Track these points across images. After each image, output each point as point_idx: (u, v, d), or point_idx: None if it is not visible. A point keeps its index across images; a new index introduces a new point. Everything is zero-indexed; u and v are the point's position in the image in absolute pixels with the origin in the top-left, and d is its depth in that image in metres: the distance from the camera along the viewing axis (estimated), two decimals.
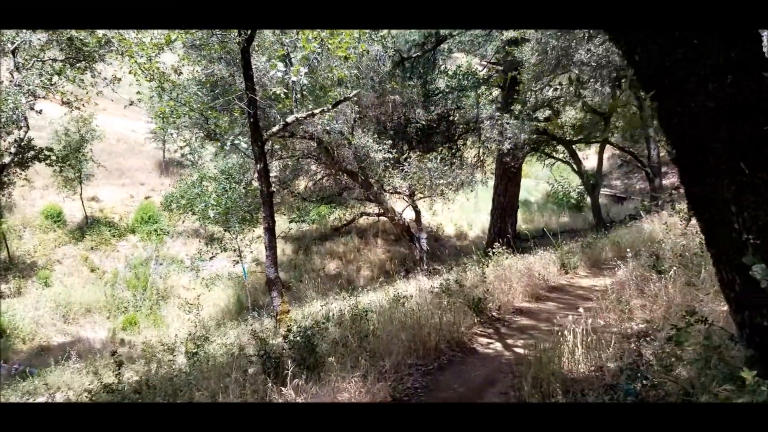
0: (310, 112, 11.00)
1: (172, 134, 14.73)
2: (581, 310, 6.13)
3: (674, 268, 6.82)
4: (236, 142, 11.37)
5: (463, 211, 28.13)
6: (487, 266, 8.53)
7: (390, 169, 18.16)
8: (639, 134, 23.81)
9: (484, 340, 6.84)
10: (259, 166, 10.77)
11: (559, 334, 5.51)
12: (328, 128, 16.31)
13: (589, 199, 29.97)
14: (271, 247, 11.00)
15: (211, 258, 14.83)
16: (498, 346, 6.61)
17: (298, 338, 6.30)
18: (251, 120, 10.50)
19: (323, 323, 7.56)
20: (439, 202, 18.85)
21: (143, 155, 31.50)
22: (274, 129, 11.17)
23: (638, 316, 6.33)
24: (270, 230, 10.91)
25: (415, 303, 7.56)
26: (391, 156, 17.10)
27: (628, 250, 9.53)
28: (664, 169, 26.41)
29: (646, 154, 23.41)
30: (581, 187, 30.08)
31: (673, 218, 20.97)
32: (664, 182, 24.21)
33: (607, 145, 24.18)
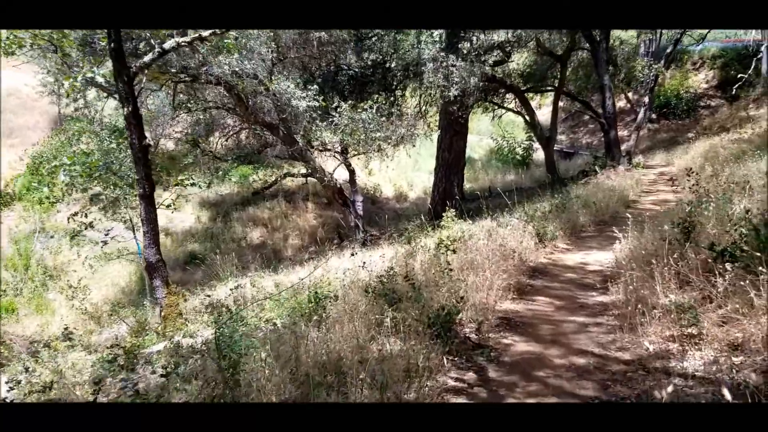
0: (197, 35, 7.97)
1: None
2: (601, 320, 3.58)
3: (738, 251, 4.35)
4: (90, 75, 8.25)
5: (402, 170, 25.55)
6: (450, 249, 5.88)
7: (317, 122, 15.26)
8: (594, 82, 21.70)
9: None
10: (126, 109, 7.75)
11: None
12: (238, 70, 13.25)
13: (535, 156, 27.99)
14: (150, 220, 8.10)
15: (86, 228, 11.61)
16: None
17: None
18: (111, 45, 7.44)
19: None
20: (376, 160, 16.12)
21: (36, 111, 27.45)
22: (147, 59, 8.10)
23: (716, 336, 3.86)
24: (146, 198, 8.00)
25: (342, 308, 4.93)
26: (317, 104, 14.18)
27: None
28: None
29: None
30: (527, 142, 28.00)
31: (632, 173, 19.13)
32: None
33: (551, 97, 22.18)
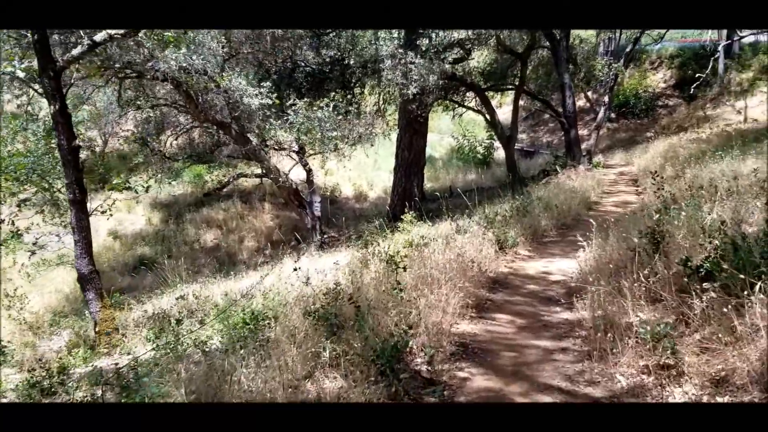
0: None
1: None
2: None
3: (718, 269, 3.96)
4: (10, 70, 7.50)
5: (363, 170, 25.02)
6: (403, 263, 5.31)
7: (272, 120, 14.62)
8: (554, 81, 21.51)
9: None
10: (53, 107, 7.05)
11: None
12: (185, 65, 12.55)
13: (496, 154, 27.75)
14: (81, 228, 7.44)
15: (15, 235, 10.76)
16: None
17: None
18: (35, 37, 6.74)
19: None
20: (333, 160, 15.57)
21: None
22: (75, 52, 7.41)
23: (696, 368, 3.44)
24: (77, 204, 7.34)
25: (280, 332, 4.38)
26: (270, 102, 13.54)
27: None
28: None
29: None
30: (487, 141, 27.76)
31: (592, 173, 18.99)
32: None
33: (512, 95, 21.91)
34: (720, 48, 24.19)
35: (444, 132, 31.04)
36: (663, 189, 6.98)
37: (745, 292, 3.42)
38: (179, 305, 9.99)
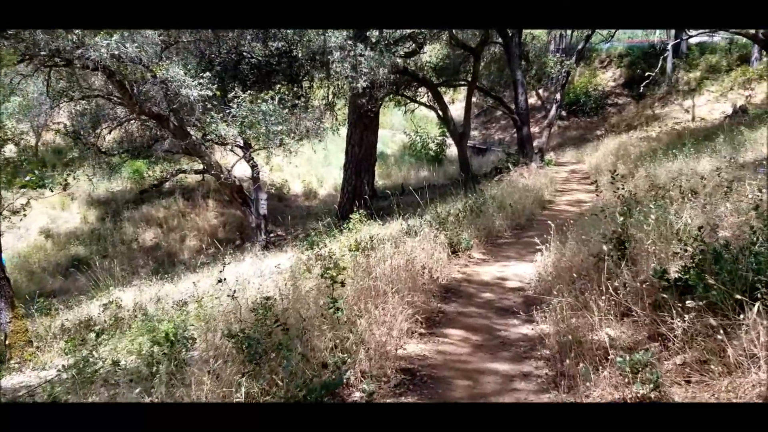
0: None
1: None
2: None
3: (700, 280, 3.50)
4: None
5: (312, 166, 24.31)
6: (342, 276, 4.60)
7: (213, 113, 13.78)
8: (507, 77, 21.24)
9: None
10: None
11: None
12: (118, 53, 11.65)
13: (449, 151, 27.38)
14: None
15: None
16: None
17: None
18: None
19: None
20: (279, 155, 14.84)
21: None
22: None
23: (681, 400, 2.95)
24: None
25: (198, 359, 3.72)
26: (211, 93, 12.73)
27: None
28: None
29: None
30: (440, 138, 27.40)
31: (544, 170, 18.76)
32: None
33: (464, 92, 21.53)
34: (669, 47, 24.36)
35: (396, 128, 30.55)
36: (623, 188, 6.58)
37: (742, 316, 2.95)
38: (106, 313, 9.18)
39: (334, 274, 4.25)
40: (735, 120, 18.31)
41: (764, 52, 22.74)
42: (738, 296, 3.00)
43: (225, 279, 5.03)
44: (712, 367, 2.94)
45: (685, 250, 3.92)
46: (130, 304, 9.94)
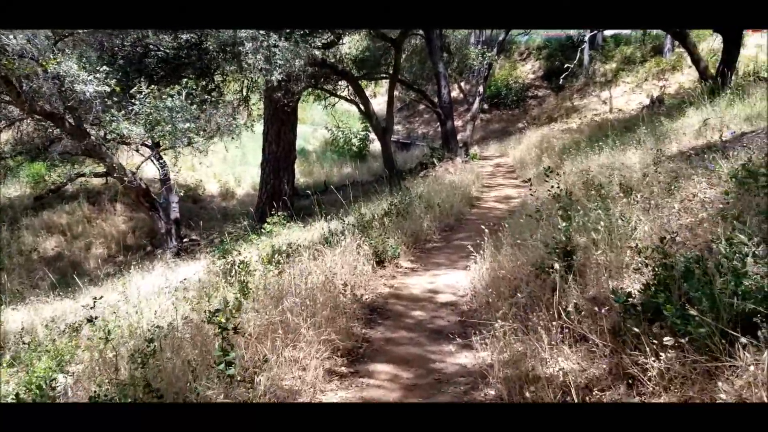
0: None
1: None
2: None
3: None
4: None
5: (229, 164, 23.11)
6: (237, 317, 3.70)
7: (113, 111, 12.56)
8: (429, 70, 20.77)
9: None
10: None
11: None
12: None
13: (372, 146, 26.74)
14: None
15: None
16: None
17: None
18: None
19: None
20: (187, 155, 13.77)
21: None
22: None
23: None
24: None
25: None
26: (108, 89, 11.56)
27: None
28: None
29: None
30: (363, 133, 26.75)
31: (470, 165, 18.40)
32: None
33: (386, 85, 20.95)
34: (586, 39, 24.58)
35: (317, 123, 29.66)
36: (558, 187, 6.08)
37: (745, 360, 2.39)
38: None
39: (223, 319, 3.43)
40: (652, 110, 18.49)
41: (676, 43, 23.23)
42: (728, 330, 2.44)
43: (95, 318, 4.07)
44: None
45: (646, 264, 3.37)
46: (18, 327, 8.82)
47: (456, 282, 6.12)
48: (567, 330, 3.47)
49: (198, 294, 6.09)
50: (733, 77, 14.54)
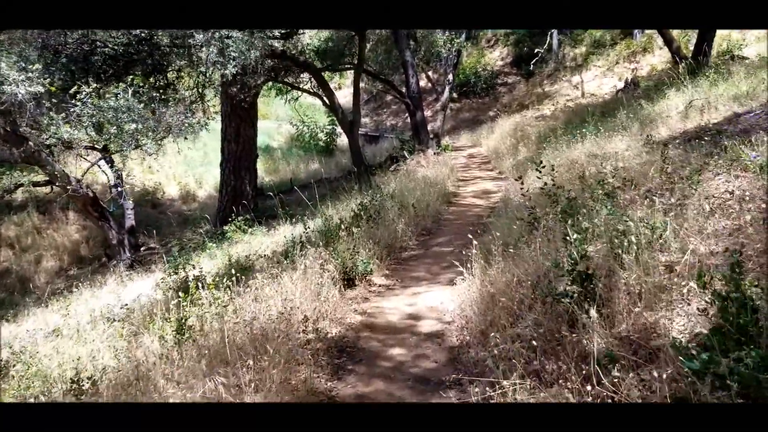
0: None
1: None
2: None
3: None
4: None
5: (189, 165, 21.94)
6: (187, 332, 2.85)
7: (52, 113, 11.41)
8: (395, 59, 19.85)
9: None
10: None
11: None
12: None
13: (340, 141, 25.73)
14: None
15: None
16: None
17: None
18: None
19: None
20: (135, 158, 12.67)
21: None
22: None
23: None
24: None
25: None
26: (42, 89, 10.43)
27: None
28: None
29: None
30: (329, 127, 25.75)
31: (442, 157, 17.55)
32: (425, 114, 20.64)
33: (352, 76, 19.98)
34: None
35: (282, 118, 28.56)
36: (553, 183, 5.23)
37: None
38: None
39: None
40: (628, 94, 17.83)
41: None
42: None
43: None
44: None
45: (711, 302, 2.50)
46: None
47: (440, 303, 5.20)
48: (599, 386, 2.61)
49: (138, 324, 5.13)
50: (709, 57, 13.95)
